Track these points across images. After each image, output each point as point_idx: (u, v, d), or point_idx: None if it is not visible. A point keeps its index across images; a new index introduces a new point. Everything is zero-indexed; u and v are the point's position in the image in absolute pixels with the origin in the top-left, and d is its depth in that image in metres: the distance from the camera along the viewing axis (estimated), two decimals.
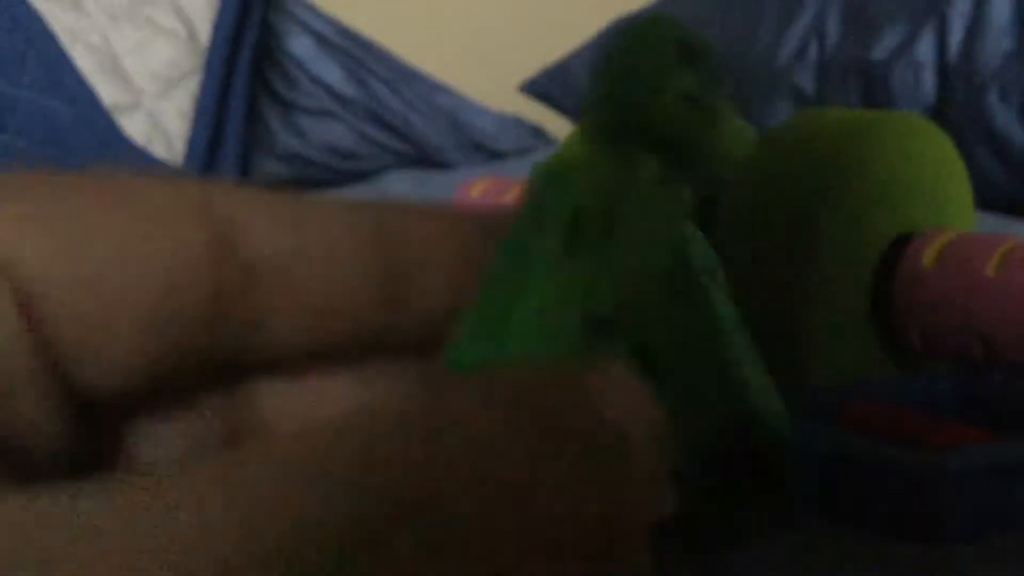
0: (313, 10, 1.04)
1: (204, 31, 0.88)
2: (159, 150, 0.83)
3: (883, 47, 0.76)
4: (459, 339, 0.15)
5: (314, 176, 1.04)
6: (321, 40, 1.02)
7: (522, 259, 0.15)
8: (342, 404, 0.15)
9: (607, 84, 0.16)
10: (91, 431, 0.13)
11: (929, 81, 0.74)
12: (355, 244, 0.14)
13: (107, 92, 0.83)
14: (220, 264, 0.13)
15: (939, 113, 0.73)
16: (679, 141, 0.16)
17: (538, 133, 1.14)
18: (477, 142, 1.06)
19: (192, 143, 0.84)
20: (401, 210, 0.15)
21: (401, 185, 1.00)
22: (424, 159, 1.06)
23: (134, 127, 0.83)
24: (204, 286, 0.13)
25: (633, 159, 0.16)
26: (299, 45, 1.01)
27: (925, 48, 0.74)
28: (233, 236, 0.13)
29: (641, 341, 0.15)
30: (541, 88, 1.11)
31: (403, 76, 1.05)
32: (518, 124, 1.12)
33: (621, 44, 0.16)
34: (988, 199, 0.66)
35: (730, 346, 0.16)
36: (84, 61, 0.82)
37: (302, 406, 0.15)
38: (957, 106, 0.72)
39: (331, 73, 1.02)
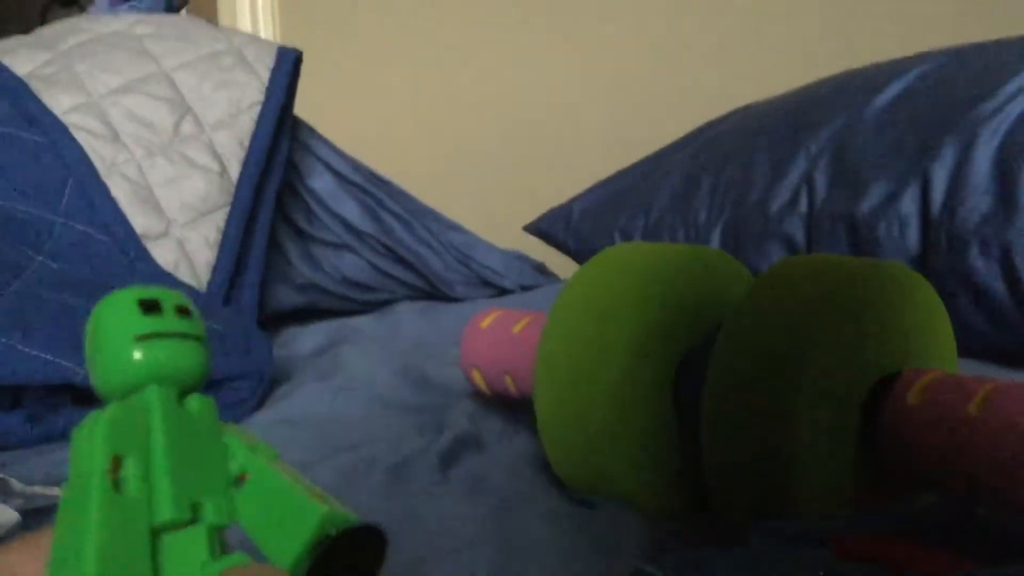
0: (335, 150, 1.09)
1: (234, 168, 0.91)
2: (184, 275, 0.85)
3: (869, 201, 0.79)
4: None
5: (328, 305, 1.06)
6: (340, 178, 1.06)
7: (76, 503, 0.19)
8: None
9: (88, 347, 0.21)
10: None
11: (913, 234, 0.76)
12: None
13: (139, 221, 0.85)
14: None
15: (923, 264, 0.75)
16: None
17: (541, 270, 1.16)
18: (484, 278, 1.08)
19: (216, 271, 0.86)
20: (12, 551, 0.19)
21: (411, 316, 1.02)
22: (434, 292, 1.08)
23: (162, 254, 0.85)
24: None
25: (145, 393, 0.21)
26: (320, 182, 1.05)
27: (909, 203, 0.76)
28: None
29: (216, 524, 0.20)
30: (544, 228, 1.14)
31: (416, 213, 1.09)
32: (522, 261, 1.14)
33: (95, 312, 0.21)
34: (970, 347, 0.67)
35: (286, 486, 0.21)
36: (120, 191, 0.86)
37: None
38: (940, 258, 0.73)
39: (349, 209, 1.05)
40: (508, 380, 0.62)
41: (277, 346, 0.94)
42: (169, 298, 0.21)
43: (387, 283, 1.06)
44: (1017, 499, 0.40)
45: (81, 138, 0.88)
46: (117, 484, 0.19)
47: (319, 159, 1.06)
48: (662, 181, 1.01)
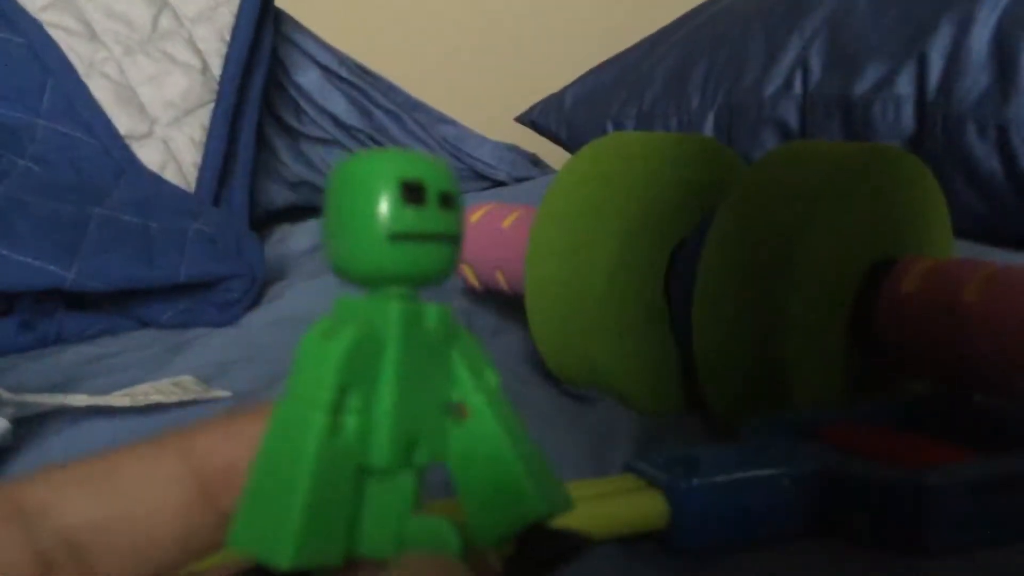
0: (320, 43, 1.06)
1: (216, 64, 0.89)
2: (171, 177, 0.84)
3: (864, 82, 0.77)
4: (240, 516, 0.17)
5: (321, 202, 1.05)
6: (327, 72, 1.04)
7: (292, 432, 0.17)
8: None
9: (328, 211, 0.19)
10: None
11: (908, 115, 0.74)
12: (170, 481, 0.17)
13: (123, 121, 0.84)
14: (34, 547, 0.16)
15: (918, 146, 0.73)
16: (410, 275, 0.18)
17: (535, 161, 1.15)
18: (476, 170, 1.07)
19: (203, 170, 0.85)
20: (206, 432, 0.18)
21: None
22: None
23: (148, 155, 0.84)
24: (25, 568, 0.15)
25: (385, 307, 0.18)
26: (306, 77, 1.03)
27: (905, 83, 0.75)
28: (41, 520, 0.16)
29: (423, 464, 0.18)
30: (536, 119, 1.12)
31: (406, 107, 1.07)
32: (515, 153, 1.12)
33: (345, 172, 0.18)
34: (966, 229, 0.66)
35: (507, 456, 0.18)
36: (101, 91, 0.84)
37: None
38: (936, 140, 0.72)
39: (337, 104, 1.03)
40: (500, 276, 0.62)
41: (270, 244, 0.93)
42: (434, 178, 0.18)
43: None
44: (1014, 386, 0.39)
45: (57, 36, 0.86)
46: (336, 424, 0.17)
47: (304, 53, 1.04)
48: (656, 67, 0.99)
